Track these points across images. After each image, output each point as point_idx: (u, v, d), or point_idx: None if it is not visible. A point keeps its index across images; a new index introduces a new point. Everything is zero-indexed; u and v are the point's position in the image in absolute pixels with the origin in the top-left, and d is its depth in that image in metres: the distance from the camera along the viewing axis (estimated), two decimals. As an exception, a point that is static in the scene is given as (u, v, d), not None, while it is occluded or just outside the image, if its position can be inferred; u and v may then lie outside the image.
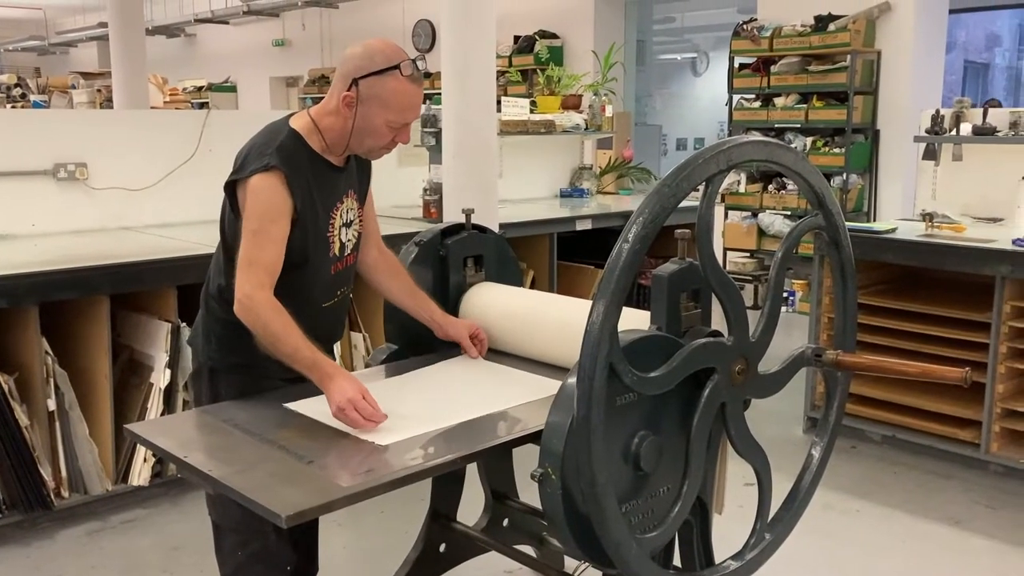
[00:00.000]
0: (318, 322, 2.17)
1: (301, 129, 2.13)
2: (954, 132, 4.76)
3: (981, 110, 4.78)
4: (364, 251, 2.36)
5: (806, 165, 1.97)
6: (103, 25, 11.42)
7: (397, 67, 2.06)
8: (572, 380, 1.66)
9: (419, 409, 1.98)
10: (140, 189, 4.36)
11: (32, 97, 10.28)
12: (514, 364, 2.35)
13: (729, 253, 7.44)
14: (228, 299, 2.13)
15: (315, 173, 2.13)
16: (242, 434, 1.90)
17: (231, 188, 2.11)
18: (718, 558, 2.00)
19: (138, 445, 3.52)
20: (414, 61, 2.10)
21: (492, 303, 2.46)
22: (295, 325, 1.99)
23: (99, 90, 9.38)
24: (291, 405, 2.05)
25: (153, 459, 3.55)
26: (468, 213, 2.56)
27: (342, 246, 2.23)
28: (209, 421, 2.02)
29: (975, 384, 3.83)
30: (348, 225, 2.24)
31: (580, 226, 5.08)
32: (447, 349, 2.40)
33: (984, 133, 4.66)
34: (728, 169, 1.77)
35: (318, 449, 1.83)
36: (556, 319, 2.30)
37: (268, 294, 2.01)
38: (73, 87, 10.13)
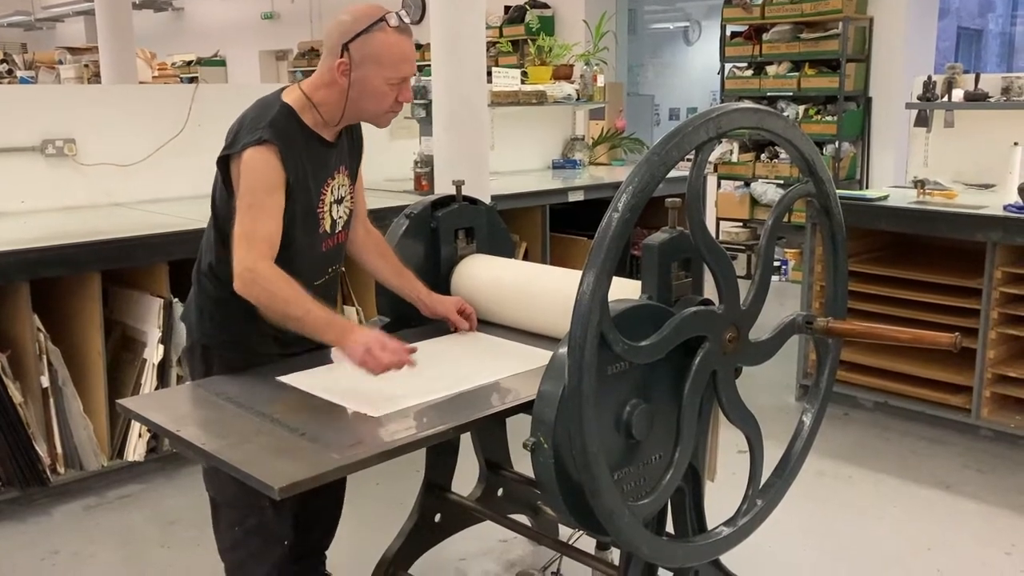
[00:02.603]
0: None
1: (294, 103, 2.11)
2: (946, 99, 4.75)
3: (973, 76, 4.76)
4: (351, 229, 2.35)
5: (795, 131, 1.96)
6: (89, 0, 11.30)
7: (383, 19, 2.04)
8: (563, 350, 1.66)
9: (412, 381, 1.99)
10: (129, 165, 4.33)
11: (19, 73, 10.18)
12: (506, 335, 2.36)
13: (722, 223, 7.43)
14: (220, 276, 2.12)
15: (307, 148, 2.11)
16: (235, 408, 1.90)
17: (223, 163, 2.10)
18: (711, 524, 2.01)
19: (132, 421, 3.53)
20: (398, 13, 2.07)
21: (483, 275, 2.46)
22: (302, 288, 1.97)
23: (86, 65, 9.28)
24: (284, 378, 2.05)
25: (148, 434, 3.56)
26: (459, 185, 2.55)
27: (333, 223, 2.21)
28: (202, 395, 2.02)
29: (966, 350, 3.85)
30: (339, 202, 2.22)
31: (573, 197, 5.07)
32: (440, 322, 2.40)
33: (976, 99, 4.65)
34: (718, 137, 1.76)
35: (311, 421, 1.83)
36: (547, 290, 2.30)
37: (270, 263, 1.99)
38: (60, 63, 10.01)
